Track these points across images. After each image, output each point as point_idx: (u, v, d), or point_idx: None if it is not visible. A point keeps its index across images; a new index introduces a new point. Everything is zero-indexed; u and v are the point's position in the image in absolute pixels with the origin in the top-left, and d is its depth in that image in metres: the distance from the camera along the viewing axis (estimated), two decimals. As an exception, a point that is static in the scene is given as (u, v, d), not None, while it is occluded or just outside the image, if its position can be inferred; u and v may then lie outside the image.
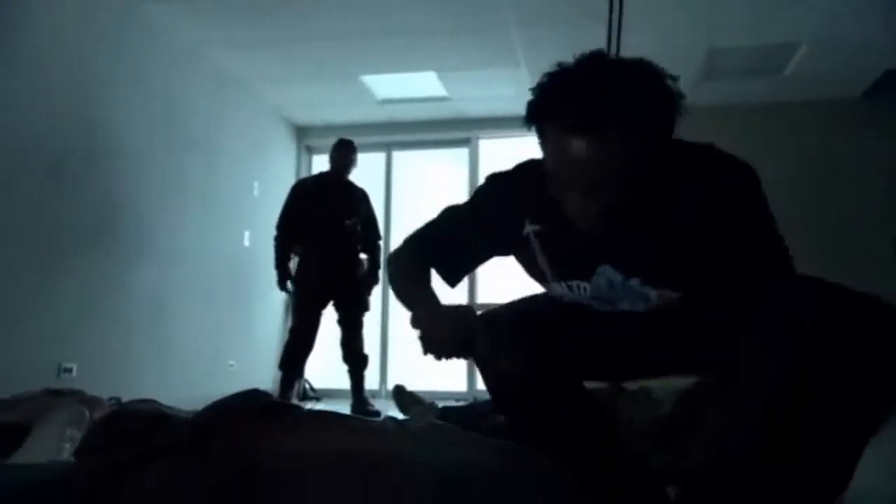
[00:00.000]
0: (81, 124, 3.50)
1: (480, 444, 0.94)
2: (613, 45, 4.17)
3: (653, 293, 1.11)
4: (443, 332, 1.08)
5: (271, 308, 5.44)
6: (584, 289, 1.15)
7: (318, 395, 5.21)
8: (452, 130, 5.75)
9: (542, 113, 1.01)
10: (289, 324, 4.59)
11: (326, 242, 4.15)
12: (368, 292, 4.33)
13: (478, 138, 5.78)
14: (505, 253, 1.25)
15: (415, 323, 1.11)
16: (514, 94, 5.09)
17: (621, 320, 1.17)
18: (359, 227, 4.24)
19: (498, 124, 5.59)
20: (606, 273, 1.12)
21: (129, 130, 3.84)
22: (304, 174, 5.83)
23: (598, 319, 1.18)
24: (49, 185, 3.28)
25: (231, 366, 4.74)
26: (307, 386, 5.14)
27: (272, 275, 4.17)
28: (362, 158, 4.43)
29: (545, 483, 0.84)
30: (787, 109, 5.00)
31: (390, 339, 5.68)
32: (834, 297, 0.96)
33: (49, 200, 3.28)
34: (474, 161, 5.79)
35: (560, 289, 1.18)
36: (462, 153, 5.85)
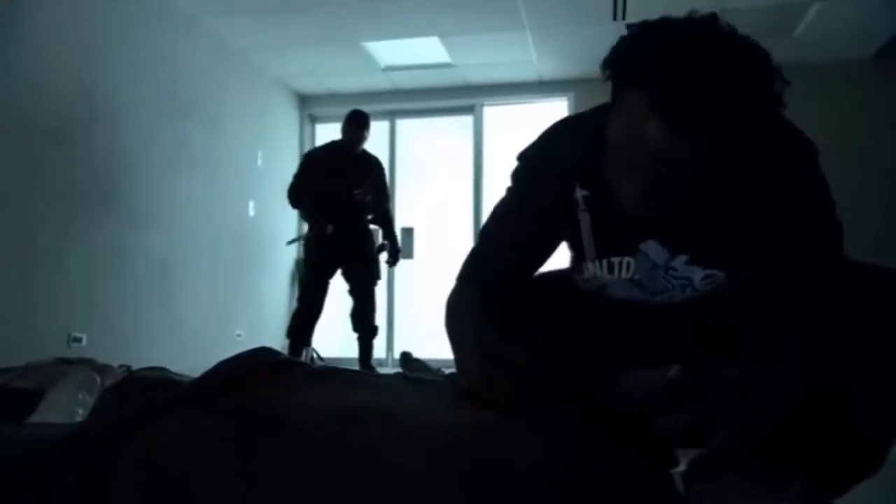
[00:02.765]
0: (82, 93, 3.48)
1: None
2: (620, 7, 4.07)
3: (698, 275, 1.00)
4: (488, 391, 0.89)
5: (278, 278, 5.46)
6: (629, 265, 1.01)
7: (326, 363, 5.26)
8: (456, 98, 5.69)
9: (631, 74, 0.83)
10: (296, 293, 4.61)
11: (335, 212, 4.13)
12: (394, 263, 4.40)
13: (482, 105, 5.71)
14: (558, 235, 1.08)
15: (460, 376, 0.95)
16: (519, 59, 5.03)
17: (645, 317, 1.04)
18: (369, 198, 4.22)
19: (502, 91, 5.51)
20: (650, 251, 1.00)
21: (130, 100, 3.82)
22: (307, 143, 5.80)
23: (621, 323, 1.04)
24: (52, 154, 3.28)
25: (239, 336, 4.78)
26: (314, 355, 5.19)
27: (278, 245, 4.17)
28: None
29: (552, 438, 0.84)
30: (796, 71, 4.90)
31: (397, 307, 5.71)
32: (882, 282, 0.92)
33: (53, 169, 3.28)
34: (479, 129, 5.73)
35: (597, 269, 1.04)
36: (466, 121, 5.79)
